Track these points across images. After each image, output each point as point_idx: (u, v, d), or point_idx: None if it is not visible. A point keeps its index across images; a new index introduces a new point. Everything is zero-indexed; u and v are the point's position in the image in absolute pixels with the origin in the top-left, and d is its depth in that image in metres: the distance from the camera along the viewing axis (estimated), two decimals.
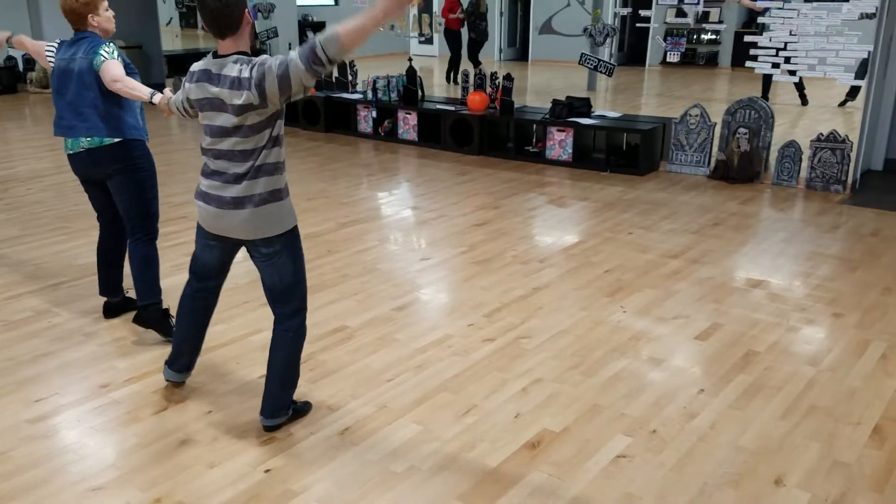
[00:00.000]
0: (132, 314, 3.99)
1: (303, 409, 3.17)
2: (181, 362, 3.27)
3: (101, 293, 4.06)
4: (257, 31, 15.08)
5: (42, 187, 6.62)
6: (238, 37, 2.69)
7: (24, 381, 3.40)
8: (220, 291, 3.21)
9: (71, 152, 3.67)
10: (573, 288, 4.56)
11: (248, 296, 4.35)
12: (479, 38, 13.45)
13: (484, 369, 3.55)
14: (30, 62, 12.61)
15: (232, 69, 2.63)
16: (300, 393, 3.27)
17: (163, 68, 12.59)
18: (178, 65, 13.38)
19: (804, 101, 11.12)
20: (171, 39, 14.93)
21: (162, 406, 3.21)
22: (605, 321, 4.09)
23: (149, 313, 3.77)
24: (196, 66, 2.80)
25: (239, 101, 2.62)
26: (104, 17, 3.62)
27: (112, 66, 3.50)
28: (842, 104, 11.01)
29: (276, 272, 2.86)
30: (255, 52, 2.77)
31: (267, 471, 2.79)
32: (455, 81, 13.22)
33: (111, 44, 3.61)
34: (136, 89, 3.50)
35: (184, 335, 3.22)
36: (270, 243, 2.81)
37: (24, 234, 5.40)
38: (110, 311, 4.07)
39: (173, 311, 3.73)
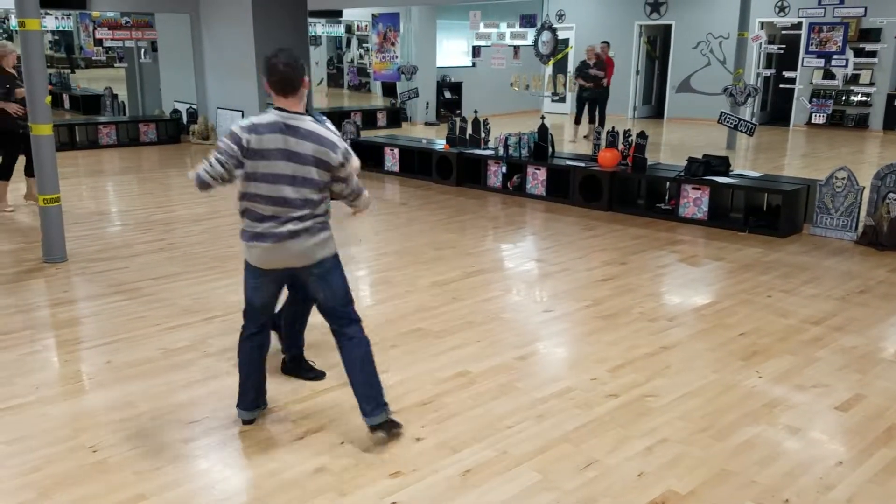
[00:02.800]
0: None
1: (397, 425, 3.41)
2: (248, 400, 3.49)
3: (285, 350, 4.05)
4: (398, 92, 15.91)
5: (201, 230, 7.23)
6: (298, 97, 3.15)
7: (179, 405, 3.72)
8: (269, 330, 3.51)
9: None
10: (704, 349, 4.45)
11: (377, 336, 4.56)
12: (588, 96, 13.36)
13: (606, 424, 3.54)
14: (193, 115, 13.83)
15: (317, 128, 3.11)
16: (409, 421, 3.39)
17: None
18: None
19: None
20: (321, 98, 15.96)
21: (300, 434, 3.42)
22: (738, 385, 3.97)
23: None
24: (260, 120, 3.13)
25: (325, 159, 3.11)
26: None
27: None
28: None
29: (328, 288, 3.30)
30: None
31: (393, 503, 2.91)
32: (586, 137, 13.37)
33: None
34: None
35: (244, 376, 3.47)
36: (322, 264, 3.26)
37: (185, 272, 5.92)
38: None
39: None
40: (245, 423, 3.50)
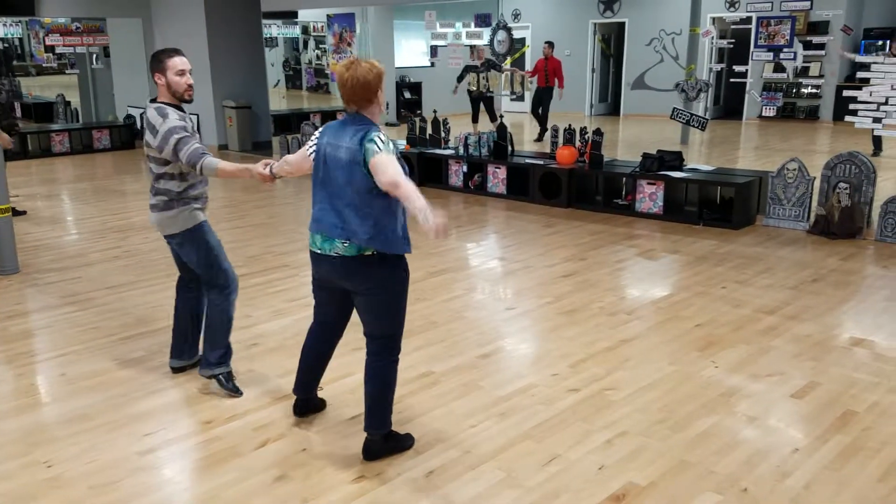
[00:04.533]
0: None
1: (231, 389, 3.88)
2: (174, 350, 4.09)
3: (298, 391, 3.57)
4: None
5: (157, 237, 7.07)
6: (158, 92, 3.67)
7: (135, 416, 3.65)
8: (196, 292, 3.97)
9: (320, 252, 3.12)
10: (662, 341, 4.52)
11: (343, 340, 4.53)
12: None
13: (568, 419, 3.57)
14: None
15: (150, 114, 3.62)
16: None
17: (270, 127, 13.33)
18: (285, 124, 14.13)
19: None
20: (278, 100, 15.79)
21: (261, 443, 3.38)
22: (695, 376, 4.03)
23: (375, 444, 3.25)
24: None
25: (149, 140, 3.63)
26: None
27: (390, 163, 2.89)
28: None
29: (187, 257, 3.82)
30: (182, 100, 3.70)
31: None
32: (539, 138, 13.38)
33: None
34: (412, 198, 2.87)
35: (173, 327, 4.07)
36: (174, 237, 3.76)
37: (140, 280, 5.82)
38: (304, 409, 3.61)
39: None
40: (173, 370, 4.08)
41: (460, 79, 12.40)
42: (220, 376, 3.85)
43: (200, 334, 3.98)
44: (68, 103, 15.44)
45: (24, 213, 8.10)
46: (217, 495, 3.00)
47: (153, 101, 3.68)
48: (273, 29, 16.04)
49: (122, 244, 6.89)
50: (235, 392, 3.84)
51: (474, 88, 12.47)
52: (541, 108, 13.51)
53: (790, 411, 3.66)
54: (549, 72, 13.32)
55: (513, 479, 3.07)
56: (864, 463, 3.16)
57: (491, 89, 12.31)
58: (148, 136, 3.62)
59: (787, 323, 4.77)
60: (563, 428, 3.48)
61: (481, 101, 13.22)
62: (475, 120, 13.43)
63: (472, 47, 11.10)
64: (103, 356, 4.37)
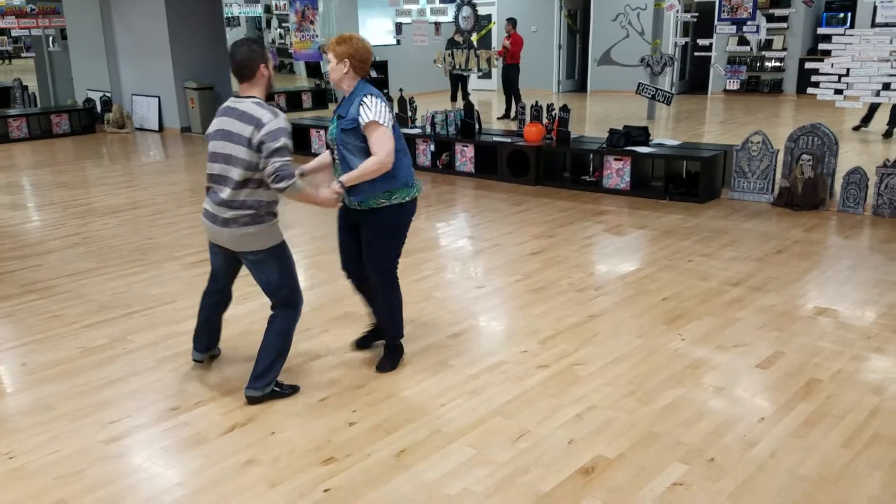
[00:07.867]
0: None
1: (289, 392, 3.63)
2: (201, 345, 3.92)
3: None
4: (322, 72, 15.58)
5: (118, 222, 6.97)
6: (252, 84, 3.36)
7: (99, 404, 3.59)
8: (229, 293, 3.83)
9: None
10: (629, 316, 4.54)
11: (309, 323, 4.50)
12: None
13: (538, 395, 3.58)
14: (107, 104, 13.29)
15: (253, 108, 3.28)
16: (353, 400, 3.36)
17: None
18: None
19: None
20: None
21: (228, 428, 3.35)
22: (662, 349, 4.07)
23: None
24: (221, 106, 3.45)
25: (250, 136, 3.25)
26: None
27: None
28: (886, 135, 10.43)
29: (262, 275, 3.51)
30: (269, 98, 3.44)
31: (326, 490, 2.88)
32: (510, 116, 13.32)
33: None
34: None
35: (200, 324, 3.88)
36: (256, 254, 3.44)
37: (101, 266, 5.70)
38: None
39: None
40: (196, 362, 3.93)
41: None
42: (273, 388, 3.57)
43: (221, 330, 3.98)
44: (25, 88, 15.03)
45: None
46: (183, 482, 2.96)
47: (251, 96, 3.35)
48: (234, 8, 15.75)
49: (83, 230, 6.74)
50: (294, 389, 3.65)
51: (455, 67, 12.33)
52: (506, 86, 13.46)
53: (756, 381, 3.71)
54: (512, 49, 13.23)
55: (483, 456, 3.08)
56: (828, 430, 3.22)
57: (471, 68, 12.16)
58: (239, 132, 3.26)
59: (753, 294, 4.83)
60: (533, 404, 3.49)
61: (460, 81, 13.17)
62: (454, 98, 13.34)
63: (437, 25, 10.99)
64: (66, 344, 4.28)
